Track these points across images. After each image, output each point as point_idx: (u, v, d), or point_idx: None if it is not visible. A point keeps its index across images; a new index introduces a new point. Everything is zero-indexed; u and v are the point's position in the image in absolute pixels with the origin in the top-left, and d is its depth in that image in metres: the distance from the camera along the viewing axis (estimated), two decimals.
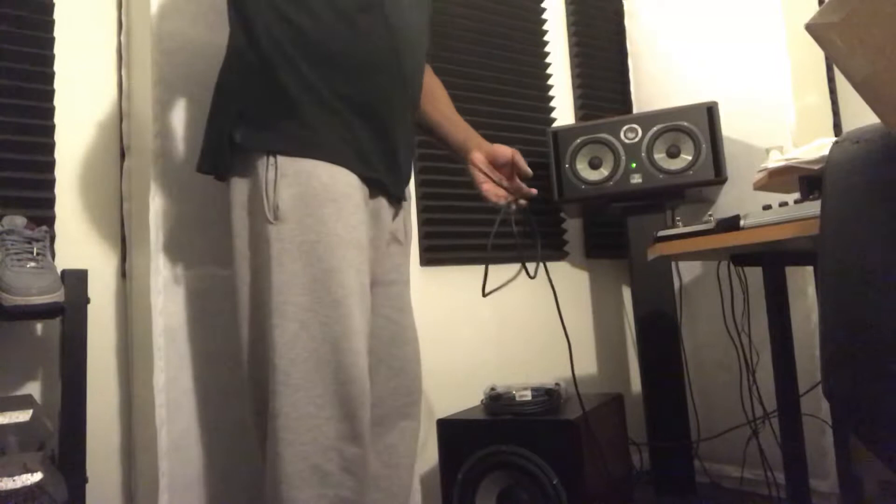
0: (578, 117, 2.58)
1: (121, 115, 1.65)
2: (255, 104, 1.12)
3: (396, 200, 1.26)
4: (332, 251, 1.06)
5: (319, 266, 1.05)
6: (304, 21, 1.11)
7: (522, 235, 1.38)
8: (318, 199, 1.07)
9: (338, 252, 1.06)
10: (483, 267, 2.26)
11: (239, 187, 1.12)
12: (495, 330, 2.25)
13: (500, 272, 2.29)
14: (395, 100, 1.19)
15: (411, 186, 1.99)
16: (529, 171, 1.33)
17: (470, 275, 2.23)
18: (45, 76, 1.55)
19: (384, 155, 1.18)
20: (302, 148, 1.08)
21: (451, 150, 1.41)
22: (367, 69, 1.14)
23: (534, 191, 1.36)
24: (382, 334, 1.24)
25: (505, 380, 2.20)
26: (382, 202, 1.21)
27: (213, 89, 1.22)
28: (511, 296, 2.31)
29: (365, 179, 1.14)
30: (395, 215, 1.27)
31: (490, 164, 1.35)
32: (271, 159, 1.08)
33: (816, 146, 1.47)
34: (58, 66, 1.57)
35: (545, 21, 2.58)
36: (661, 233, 1.58)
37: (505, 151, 1.34)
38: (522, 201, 1.36)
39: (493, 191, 1.34)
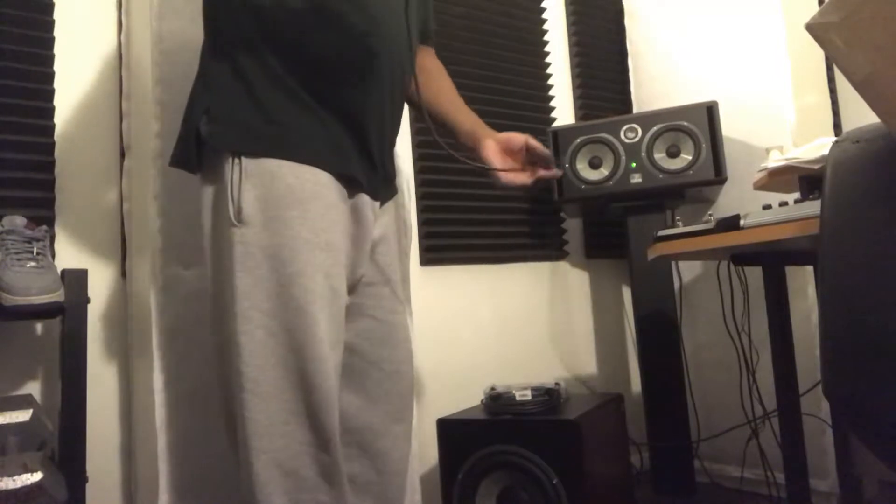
0: (578, 117, 2.58)
1: (121, 114, 1.65)
2: (221, 98, 1.07)
3: (381, 197, 1.20)
4: (296, 255, 1.01)
5: (283, 271, 1.01)
6: (270, 6, 1.05)
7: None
8: (283, 202, 1.02)
9: (302, 256, 1.02)
10: (483, 267, 2.26)
11: (206, 186, 1.08)
12: (495, 330, 2.25)
13: (503, 272, 2.30)
14: (372, 91, 1.11)
15: (410, 185, 2.00)
16: (547, 151, 1.27)
17: (470, 274, 2.23)
18: (45, 76, 1.55)
19: (360, 150, 1.12)
20: (267, 147, 1.03)
21: (458, 139, 1.34)
22: (337, 59, 1.07)
23: (558, 172, 1.32)
24: (372, 336, 1.19)
25: (505, 380, 2.20)
26: (364, 199, 1.14)
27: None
28: (511, 296, 2.31)
29: (339, 176, 1.08)
30: (380, 213, 1.21)
31: (503, 151, 1.28)
32: (236, 159, 1.03)
33: (816, 146, 1.47)
34: (58, 66, 1.57)
35: (545, 21, 2.58)
36: (662, 232, 1.58)
37: (517, 138, 1.28)
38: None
39: (513, 178, 1.27)
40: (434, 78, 1.38)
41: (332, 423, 1.03)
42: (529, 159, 1.28)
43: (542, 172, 1.28)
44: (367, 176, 1.13)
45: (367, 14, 1.09)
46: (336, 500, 1.04)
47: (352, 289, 1.15)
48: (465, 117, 1.33)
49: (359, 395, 1.17)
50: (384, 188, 1.20)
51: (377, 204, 1.18)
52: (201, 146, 1.07)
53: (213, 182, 1.06)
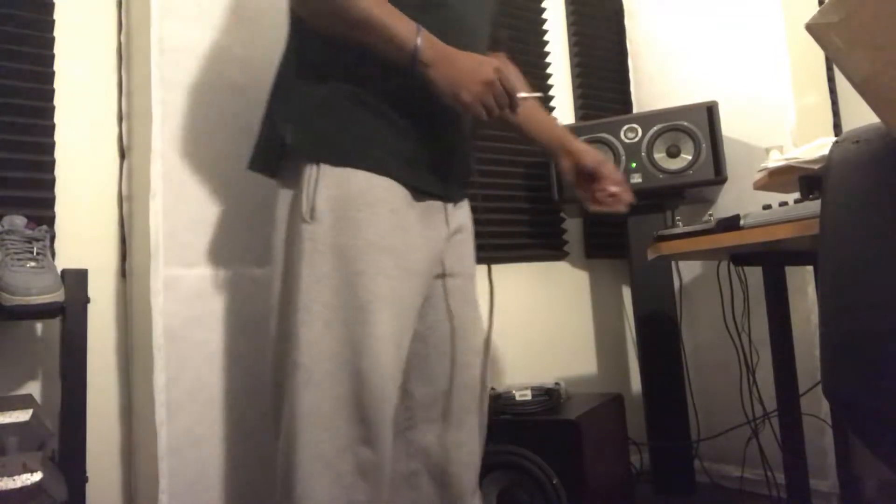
0: (578, 117, 2.58)
1: (121, 115, 1.65)
2: (305, 110, 1.14)
3: (455, 198, 1.26)
4: (360, 255, 1.07)
5: (347, 269, 1.06)
6: None
7: None
8: (354, 204, 1.08)
9: (367, 257, 1.07)
10: (483, 267, 2.26)
11: (284, 189, 1.15)
12: (495, 329, 2.24)
13: (503, 272, 2.29)
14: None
15: None
16: (617, 178, 1.31)
17: None
18: (45, 76, 1.55)
19: (436, 160, 1.18)
20: (344, 156, 1.10)
21: (537, 148, 1.44)
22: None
23: (628, 199, 1.32)
24: (445, 328, 1.23)
25: (505, 379, 2.20)
26: (435, 204, 1.20)
27: (271, 87, 1.23)
28: (511, 296, 2.30)
29: (409, 185, 1.14)
30: (454, 212, 1.26)
31: (578, 170, 1.34)
32: (314, 165, 1.10)
33: (816, 146, 1.47)
34: (58, 66, 1.57)
35: (545, 21, 2.58)
36: (662, 232, 1.58)
37: (587, 159, 1.32)
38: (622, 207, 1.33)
39: (596, 207, 1.33)
40: None
41: (381, 420, 1.06)
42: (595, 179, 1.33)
43: (606, 200, 1.32)
44: (441, 182, 1.19)
45: (457, 29, 1.15)
46: (372, 498, 1.06)
47: (427, 287, 1.20)
48: (541, 129, 1.40)
49: (431, 386, 1.21)
50: (458, 190, 1.26)
51: (450, 205, 1.24)
52: (283, 153, 1.14)
53: (292, 186, 1.13)
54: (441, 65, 1.06)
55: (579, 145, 1.36)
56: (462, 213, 1.29)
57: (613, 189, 1.30)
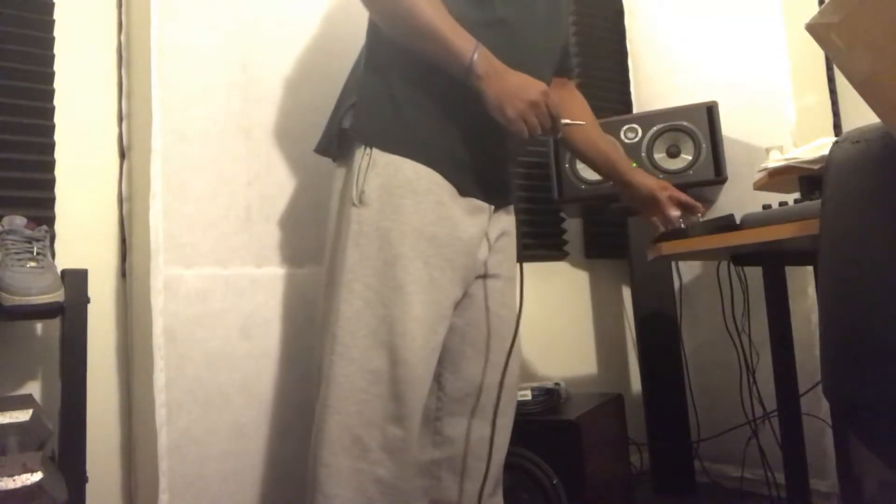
0: None
1: (121, 115, 1.65)
2: (366, 98, 1.21)
3: (498, 202, 1.30)
4: (403, 239, 1.12)
5: (389, 251, 1.12)
6: None
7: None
8: (400, 191, 1.14)
9: (408, 241, 1.12)
10: None
11: (339, 172, 1.22)
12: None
13: None
14: None
15: None
16: (676, 199, 1.42)
17: None
18: (45, 76, 1.55)
19: (480, 167, 1.23)
20: (396, 145, 1.16)
21: (594, 167, 1.54)
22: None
23: (699, 208, 1.45)
24: (482, 327, 1.28)
25: None
26: (480, 204, 1.24)
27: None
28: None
29: (454, 182, 1.19)
30: (499, 216, 1.31)
31: (636, 201, 1.47)
32: (367, 150, 1.16)
33: (816, 146, 1.47)
34: (58, 66, 1.57)
35: None
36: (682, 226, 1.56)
37: (643, 192, 1.44)
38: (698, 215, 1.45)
39: (661, 222, 1.45)
40: (573, 110, 1.50)
41: (413, 399, 1.10)
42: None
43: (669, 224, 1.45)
44: (484, 188, 1.24)
45: (519, 47, 1.22)
46: (396, 476, 1.09)
47: (467, 283, 1.24)
48: (599, 157, 1.49)
49: (463, 381, 1.25)
50: (501, 195, 1.30)
51: (492, 208, 1.28)
52: (342, 137, 1.22)
53: (345, 167, 1.21)
54: (492, 79, 1.11)
55: (635, 177, 1.45)
56: (507, 219, 1.34)
57: (674, 213, 1.41)
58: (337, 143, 1.24)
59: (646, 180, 1.45)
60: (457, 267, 1.18)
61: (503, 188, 1.31)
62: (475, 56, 1.10)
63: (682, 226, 1.42)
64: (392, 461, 1.09)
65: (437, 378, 1.25)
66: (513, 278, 1.35)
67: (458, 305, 1.25)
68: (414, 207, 1.14)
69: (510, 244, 1.36)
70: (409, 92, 1.18)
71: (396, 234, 1.13)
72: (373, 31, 1.26)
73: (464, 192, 1.21)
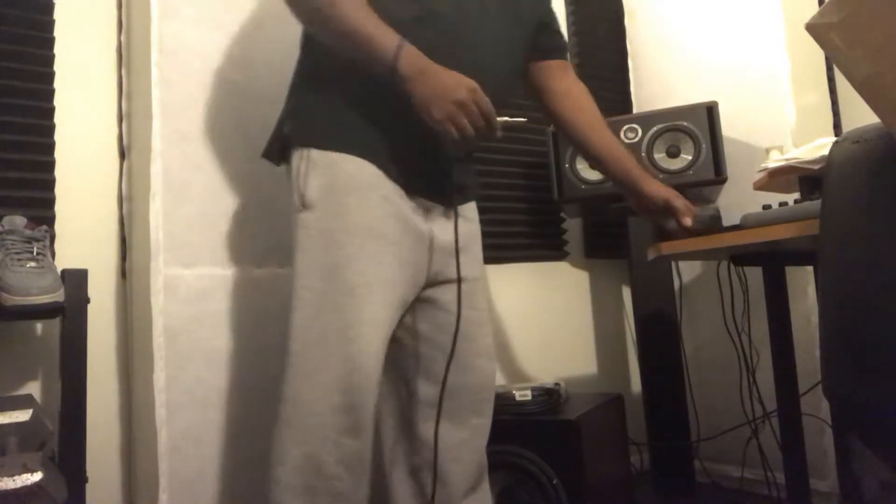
0: None
1: (121, 115, 1.65)
2: (301, 101, 1.18)
3: (451, 201, 1.23)
4: (351, 239, 1.08)
5: (338, 253, 1.07)
6: None
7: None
8: (342, 189, 1.10)
9: (356, 240, 1.08)
10: (486, 267, 2.26)
11: (287, 177, 1.18)
12: (495, 329, 2.25)
13: (503, 272, 2.29)
14: None
15: None
16: (687, 215, 1.34)
17: None
18: (45, 76, 1.55)
19: (426, 164, 1.18)
20: (334, 142, 1.12)
21: (597, 166, 1.47)
22: None
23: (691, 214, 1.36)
24: (449, 329, 1.21)
25: (505, 379, 2.20)
26: (430, 204, 1.21)
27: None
28: (511, 296, 2.30)
29: (398, 177, 1.15)
30: (461, 214, 1.25)
31: (647, 209, 1.39)
32: (305, 151, 1.13)
33: (816, 146, 1.47)
34: (58, 67, 1.57)
35: None
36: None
37: (657, 202, 1.35)
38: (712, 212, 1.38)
39: (674, 227, 1.37)
40: (568, 102, 1.42)
41: (367, 407, 1.06)
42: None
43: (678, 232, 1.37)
44: (431, 183, 1.19)
45: (459, 41, 1.15)
46: (354, 488, 1.06)
47: (429, 283, 1.21)
48: (612, 161, 1.40)
49: (435, 386, 1.20)
50: (453, 193, 1.22)
51: (448, 209, 1.23)
52: (284, 142, 1.19)
53: (289, 173, 1.16)
54: (418, 80, 1.06)
55: (649, 186, 1.37)
56: (466, 217, 1.29)
57: (686, 221, 1.34)
58: (278, 149, 1.21)
59: (660, 190, 1.37)
60: (407, 265, 1.14)
61: (455, 186, 1.23)
62: (399, 56, 1.05)
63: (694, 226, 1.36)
64: (349, 474, 1.05)
65: (408, 384, 1.23)
66: (478, 278, 1.31)
67: (419, 310, 1.22)
68: (359, 204, 1.09)
69: (473, 243, 1.31)
70: (344, 90, 1.14)
71: (342, 235, 1.08)
72: (306, 31, 1.22)
73: (409, 190, 1.17)
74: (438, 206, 1.22)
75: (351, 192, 1.10)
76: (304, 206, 1.11)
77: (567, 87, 1.44)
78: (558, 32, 1.46)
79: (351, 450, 1.05)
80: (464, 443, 1.24)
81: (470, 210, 1.33)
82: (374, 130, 1.14)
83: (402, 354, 1.24)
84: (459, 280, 1.19)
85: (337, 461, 1.04)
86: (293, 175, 1.14)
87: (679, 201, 1.35)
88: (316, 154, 1.12)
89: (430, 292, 1.22)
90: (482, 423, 1.28)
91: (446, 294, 1.23)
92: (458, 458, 1.23)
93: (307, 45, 1.22)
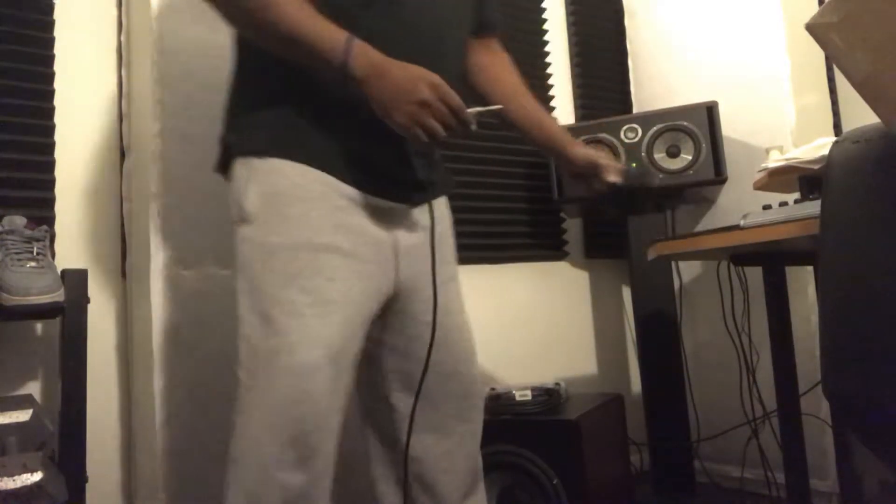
0: (578, 117, 2.58)
1: (121, 115, 1.65)
2: (243, 108, 1.08)
3: (416, 200, 1.13)
4: (295, 254, 0.97)
5: (280, 271, 0.97)
6: None
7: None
8: (285, 200, 0.99)
9: (302, 255, 0.97)
10: (483, 267, 2.26)
11: (229, 190, 1.08)
12: (495, 330, 2.24)
13: (503, 272, 2.30)
14: None
15: None
16: (613, 172, 1.23)
17: (470, 274, 2.22)
18: (45, 76, 1.55)
19: (385, 161, 1.06)
20: (275, 147, 1.01)
21: (526, 136, 1.33)
22: None
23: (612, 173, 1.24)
24: (424, 339, 1.12)
25: (505, 379, 2.20)
26: (391, 205, 1.09)
27: None
28: (511, 296, 2.30)
29: (354, 182, 1.04)
30: (421, 215, 1.15)
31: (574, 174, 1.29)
32: (244, 160, 1.03)
33: (816, 146, 1.47)
34: (58, 66, 1.57)
35: (545, 21, 2.58)
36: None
37: (578, 166, 1.26)
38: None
39: (602, 187, 1.25)
40: (484, 76, 1.30)
41: (317, 439, 0.96)
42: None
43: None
44: (394, 185, 1.08)
45: (410, 25, 1.05)
46: None
47: (397, 293, 1.12)
48: (537, 128, 1.30)
49: (421, 400, 1.13)
50: (419, 191, 1.13)
51: (414, 209, 1.13)
52: (225, 153, 1.09)
53: (231, 184, 1.06)
54: (373, 81, 0.94)
55: (574, 150, 1.27)
56: (436, 215, 1.16)
57: (611, 178, 1.23)
58: (221, 160, 1.10)
59: (586, 152, 1.27)
60: (366, 277, 1.03)
61: (422, 183, 1.12)
62: (349, 55, 0.93)
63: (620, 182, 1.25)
64: None
65: (387, 400, 1.15)
66: (452, 278, 1.22)
67: (389, 323, 1.13)
68: (304, 217, 0.99)
69: (442, 243, 1.18)
70: (286, 89, 1.02)
71: (286, 251, 0.97)
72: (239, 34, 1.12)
73: (368, 193, 1.05)
74: (403, 207, 1.11)
75: (294, 203, 0.99)
76: (244, 219, 1.00)
77: (487, 60, 1.30)
78: (492, 5, 1.31)
79: (295, 485, 0.95)
80: (451, 452, 1.18)
81: (439, 207, 1.20)
82: (322, 131, 1.02)
83: (375, 371, 1.16)
84: (435, 294, 1.09)
85: (280, 499, 0.94)
86: (234, 186, 1.03)
87: (605, 160, 1.25)
88: (256, 162, 1.01)
89: (399, 303, 1.13)
90: (471, 429, 1.21)
91: (417, 303, 1.14)
92: (447, 469, 1.17)
93: (241, 46, 1.10)
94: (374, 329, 1.10)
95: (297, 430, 0.94)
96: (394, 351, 1.14)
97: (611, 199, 1.26)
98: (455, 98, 0.95)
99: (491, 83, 1.30)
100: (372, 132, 1.00)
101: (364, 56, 0.95)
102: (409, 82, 0.94)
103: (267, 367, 0.95)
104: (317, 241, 0.99)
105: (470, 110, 0.98)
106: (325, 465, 0.98)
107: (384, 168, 1.06)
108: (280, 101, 1.03)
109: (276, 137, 1.02)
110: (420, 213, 1.14)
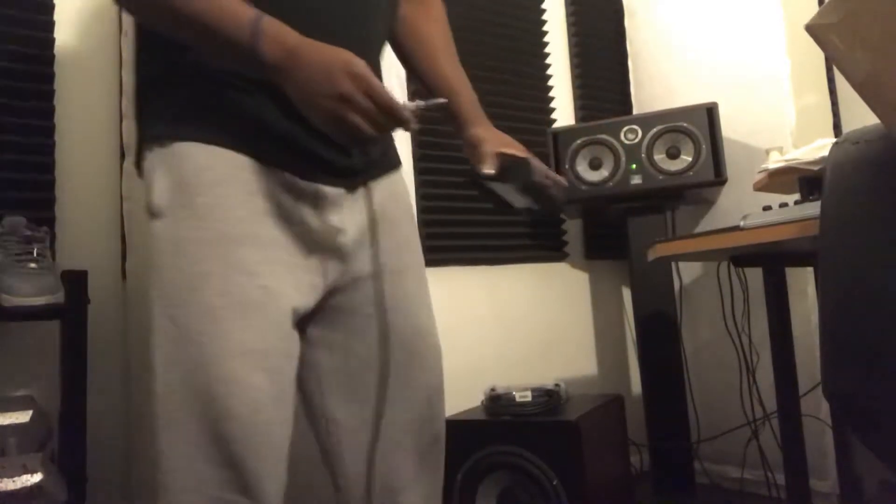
0: (578, 118, 2.58)
1: (121, 115, 1.65)
2: (146, 88, 0.95)
3: (353, 180, 0.98)
4: (208, 250, 0.85)
5: (191, 270, 0.85)
6: None
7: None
8: (193, 188, 0.86)
9: (215, 251, 0.85)
10: (483, 268, 2.26)
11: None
12: (495, 330, 2.25)
13: (503, 272, 2.30)
14: None
15: (410, 185, 2.00)
16: (486, 161, 1.00)
17: (470, 275, 2.23)
18: (45, 76, 1.55)
19: (312, 139, 0.90)
20: (178, 129, 0.88)
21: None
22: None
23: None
24: (372, 335, 0.99)
25: (505, 380, 2.20)
26: (323, 188, 0.93)
27: None
28: (511, 296, 2.30)
29: (274, 161, 0.90)
30: (373, 193, 1.01)
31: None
32: (150, 149, 0.91)
33: (816, 147, 1.47)
34: (58, 67, 1.57)
35: (545, 21, 2.58)
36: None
37: (472, 143, 1.06)
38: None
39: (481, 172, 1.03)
40: (409, 30, 1.13)
41: (254, 459, 0.84)
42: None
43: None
44: (327, 159, 0.92)
45: None
46: None
47: (337, 285, 0.97)
48: (443, 81, 1.12)
49: (357, 406, 0.98)
50: (352, 172, 0.97)
51: (342, 190, 0.96)
52: (139, 146, 0.96)
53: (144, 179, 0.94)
54: (286, 69, 0.80)
55: (470, 128, 1.09)
56: (381, 197, 1.02)
57: (481, 168, 1.01)
58: (136, 156, 0.97)
59: (477, 133, 1.07)
60: (295, 269, 0.91)
61: (356, 162, 0.97)
62: (258, 37, 0.78)
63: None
64: None
65: (323, 411, 1.00)
66: (409, 267, 1.04)
67: (328, 319, 0.98)
68: (215, 205, 0.86)
69: (394, 227, 1.03)
70: (188, 61, 0.89)
71: (195, 247, 0.85)
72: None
73: (297, 175, 0.91)
74: (337, 189, 0.95)
75: (202, 190, 0.86)
76: (152, 213, 0.88)
77: (410, 11, 1.13)
78: None
79: None
80: (398, 478, 1.00)
81: (392, 184, 1.05)
82: (236, 106, 0.88)
83: (311, 376, 1.00)
84: (379, 284, 0.96)
85: None
86: (145, 180, 0.92)
87: (487, 147, 1.01)
88: (160, 149, 0.89)
89: (340, 296, 0.98)
90: (425, 457, 1.05)
91: (360, 293, 0.99)
92: (390, 499, 1.00)
93: (142, 30, 0.97)
94: (310, 327, 0.98)
95: (228, 452, 0.83)
96: (332, 349, 0.99)
97: (483, 190, 1.02)
98: (381, 91, 0.79)
99: (410, 40, 1.13)
100: (293, 105, 0.84)
101: (275, 39, 0.79)
102: (324, 73, 0.78)
103: (185, 380, 0.84)
104: (231, 233, 0.86)
105: (406, 104, 0.82)
106: (271, 488, 0.86)
107: (309, 145, 0.91)
108: (183, 78, 0.89)
109: (179, 118, 0.89)
110: (362, 195, 0.99)
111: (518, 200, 1.03)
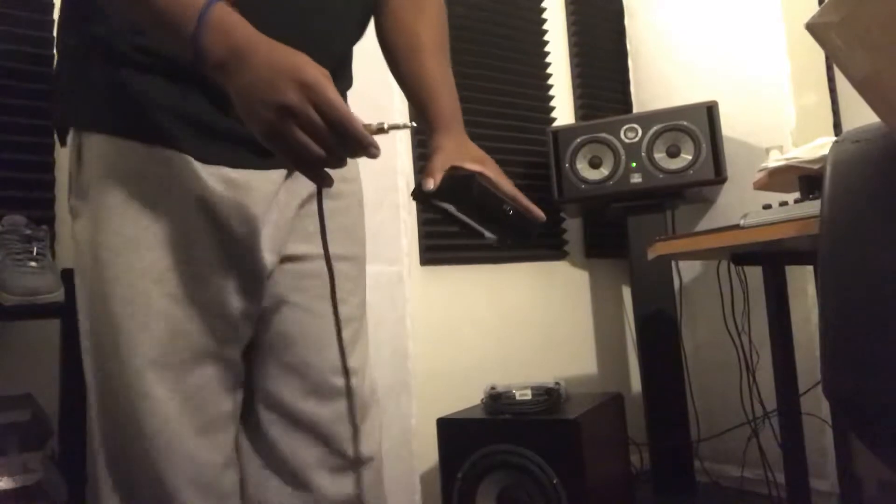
0: (578, 117, 2.58)
1: None
2: (62, 64, 0.87)
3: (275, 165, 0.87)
4: (115, 255, 0.78)
5: (100, 276, 0.79)
6: None
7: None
8: (102, 186, 0.79)
9: (122, 256, 0.78)
10: (483, 267, 2.26)
11: None
12: (495, 330, 2.25)
13: (503, 272, 2.30)
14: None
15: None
16: (429, 177, 0.85)
17: (470, 274, 2.23)
18: (45, 76, 1.55)
19: (225, 120, 0.80)
20: (95, 117, 0.81)
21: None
22: None
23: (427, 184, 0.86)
24: (292, 331, 0.89)
25: (505, 379, 2.20)
26: (247, 172, 0.84)
27: None
28: (511, 296, 2.30)
29: (194, 150, 0.81)
30: (291, 182, 0.89)
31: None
32: (72, 137, 0.84)
33: (816, 146, 1.47)
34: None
35: (545, 21, 2.58)
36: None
37: (436, 160, 0.91)
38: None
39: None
40: (391, 22, 1.01)
41: (174, 480, 0.78)
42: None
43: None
44: (248, 146, 0.81)
45: None
46: None
47: (252, 285, 0.86)
48: (428, 103, 0.99)
49: (275, 411, 0.89)
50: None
51: (273, 173, 0.86)
52: (60, 131, 0.91)
53: None
54: (231, 69, 0.67)
55: (434, 138, 0.98)
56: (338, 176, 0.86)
57: (424, 183, 0.85)
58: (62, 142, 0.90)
59: (437, 144, 0.95)
60: (217, 267, 0.82)
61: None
62: (202, 27, 0.66)
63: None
64: None
65: (257, 419, 0.90)
66: (342, 257, 0.93)
67: (257, 314, 0.87)
68: (124, 205, 0.78)
69: (341, 211, 0.94)
70: (109, 31, 0.79)
71: (105, 251, 0.79)
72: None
73: (211, 162, 0.81)
74: (267, 178, 0.86)
75: (110, 190, 0.79)
76: (72, 213, 0.84)
77: (394, 2, 1.01)
78: None
79: None
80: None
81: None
82: (160, 90, 0.79)
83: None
84: (331, 273, 0.84)
85: None
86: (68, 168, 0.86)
87: (439, 159, 0.89)
88: (82, 139, 0.82)
89: (273, 292, 0.89)
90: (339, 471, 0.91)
91: (283, 281, 0.88)
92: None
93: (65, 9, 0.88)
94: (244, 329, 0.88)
95: (144, 476, 0.78)
96: (259, 348, 0.89)
97: (435, 210, 0.89)
98: (335, 106, 0.65)
99: (394, 34, 1.01)
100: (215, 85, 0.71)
101: (222, 31, 0.67)
102: (267, 79, 0.65)
103: (101, 398, 0.80)
104: (141, 235, 0.79)
105: (369, 125, 0.70)
106: (196, 500, 0.79)
107: (230, 129, 0.81)
108: (98, 56, 0.81)
109: (98, 102, 0.81)
110: (292, 180, 0.89)
111: (482, 225, 0.88)
